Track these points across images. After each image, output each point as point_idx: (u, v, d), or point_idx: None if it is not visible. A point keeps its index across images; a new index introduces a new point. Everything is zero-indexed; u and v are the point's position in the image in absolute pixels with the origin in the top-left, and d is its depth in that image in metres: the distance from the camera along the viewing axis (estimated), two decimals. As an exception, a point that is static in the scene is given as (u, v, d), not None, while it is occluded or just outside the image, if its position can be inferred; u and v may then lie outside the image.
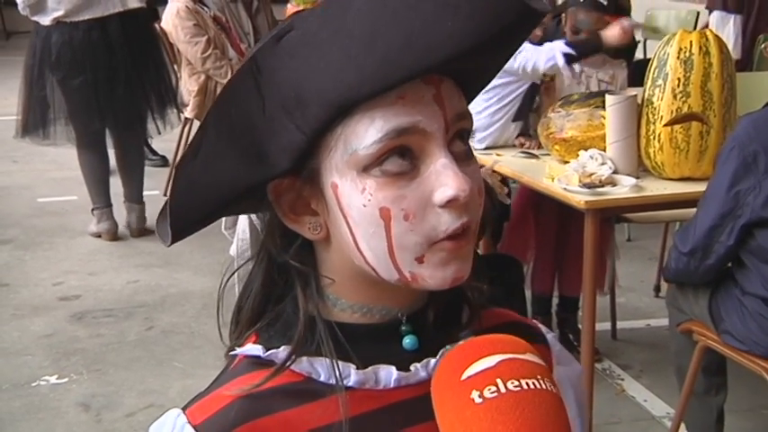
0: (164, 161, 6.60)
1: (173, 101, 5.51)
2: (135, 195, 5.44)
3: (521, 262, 3.49)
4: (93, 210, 5.40)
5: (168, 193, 0.86)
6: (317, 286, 0.92)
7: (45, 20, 5.04)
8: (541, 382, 0.75)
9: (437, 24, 0.80)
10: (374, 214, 0.84)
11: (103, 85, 5.10)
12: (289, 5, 6.71)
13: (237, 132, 0.84)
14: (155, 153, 6.61)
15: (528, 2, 0.83)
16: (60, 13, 5.02)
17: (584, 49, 3.55)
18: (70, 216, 5.72)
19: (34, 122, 5.23)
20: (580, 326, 3.60)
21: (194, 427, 0.87)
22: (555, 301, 3.91)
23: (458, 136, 0.86)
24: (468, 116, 0.88)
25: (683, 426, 2.97)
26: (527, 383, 0.74)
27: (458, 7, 0.80)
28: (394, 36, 0.80)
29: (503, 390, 0.74)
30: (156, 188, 5.87)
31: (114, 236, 5.35)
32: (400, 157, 0.83)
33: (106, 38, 5.09)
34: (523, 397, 0.74)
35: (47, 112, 5.20)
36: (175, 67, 5.80)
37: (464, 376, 0.76)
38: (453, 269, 0.86)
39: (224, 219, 2.98)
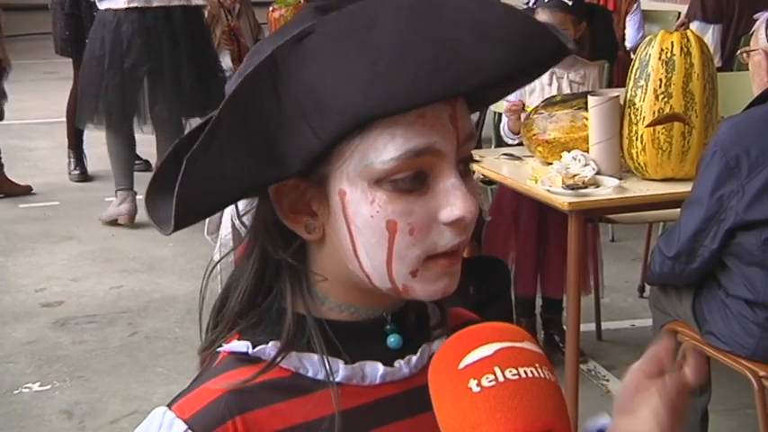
0: (146, 165, 6.57)
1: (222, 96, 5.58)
2: None
3: (506, 264, 3.49)
4: (117, 191, 5.49)
5: (177, 184, 0.84)
6: (307, 284, 0.93)
7: (119, 3, 5.21)
8: (539, 370, 0.75)
9: (472, 52, 0.81)
10: (380, 226, 0.85)
11: (170, 71, 5.28)
12: (271, 8, 6.70)
13: (250, 130, 0.84)
14: (138, 157, 6.57)
15: (559, 37, 0.86)
16: None
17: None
18: (52, 222, 5.69)
19: (100, 110, 5.36)
20: (565, 327, 3.60)
21: (184, 422, 0.87)
22: (539, 302, 3.91)
23: (463, 160, 0.88)
24: (474, 137, 0.90)
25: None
26: (525, 372, 0.74)
27: (493, 38, 0.82)
28: (426, 57, 0.80)
29: (501, 378, 0.73)
30: (141, 193, 5.84)
31: (132, 219, 5.41)
32: (413, 176, 0.85)
33: (171, 27, 5.28)
34: (521, 385, 0.73)
35: (123, 100, 5.34)
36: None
37: (462, 365, 0.75)
38: (444, 284, 0.88)
39: (207, 223, 2.97)
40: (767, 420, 2.63)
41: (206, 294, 0.97)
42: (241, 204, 0.97)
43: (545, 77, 3.71)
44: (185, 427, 0.87)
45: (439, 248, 0.86)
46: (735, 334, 2.59)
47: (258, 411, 0.89)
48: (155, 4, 5.24)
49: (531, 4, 3.87)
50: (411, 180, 0.84)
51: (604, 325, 4.04)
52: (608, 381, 3.65)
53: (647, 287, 3.81)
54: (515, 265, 3.72)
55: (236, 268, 0.96)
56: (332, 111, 0.81)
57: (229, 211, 2.56)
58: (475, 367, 0.75)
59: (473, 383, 0.74)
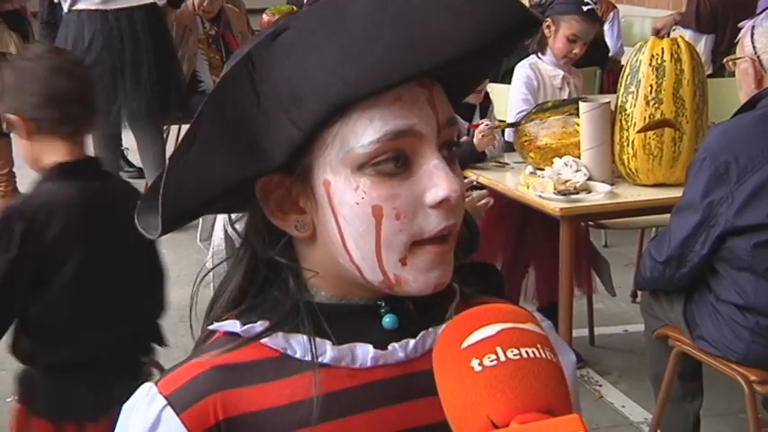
0: (140, 173, 6.56)
1: (184, 96, 5.67)
2: None
3: (498, 269, 3.48)
4: None
5: (162, 185, 0.85)
6: (299, 280, 0.93)
7: (81, 4, 5.28)
8: (541, 351, 0.75)
9: (439, 27, 0.83)
10: (366, 212, 0.86)
11: (130, 71, 5.32)
12: (264, 15, 6.71)
13: (232, 126, 0.85)
14: (131, 165, 6.56)
15: (526, 10, 0.87)
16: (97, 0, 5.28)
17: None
18: (45, 229, 5.68)
19: None
20: (558, 332, 3.60)
21: (165, 397, 0.88)
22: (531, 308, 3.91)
23: (446, 144, 0.88)
24: (456, 123, 0.90)
25: (660, 431, 2.98)
26: (527, 352, 0.74)
27: (460, 12, 0.83)
28: (395, 36, 0.82)
29: (502, 358, 0.74)
30: (132, 200, 5.85)
31: None
32: (395, 158, 0.85)
33: (133, 27, 5.33)
34: (523, 365, 0.73)
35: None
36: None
37: (464, 345, 0.76)
38: (436, 274, 0.88)
39: (199, 230, 2.97)
40: (758, 424, 2.64)
41: (198, 301, 0.97)
42: None
43: (557, 80, 3.71)
44: (165, 402, 0.88)
45: (426, 233, 0.87)
46: (726, 338, 2.60)
47: (240, 389, 0.89)
48: (112, 7, 5.30)
49: (547, 5, 3.82)
50: (393, 163, 0.85)
51: (597, 330, 4.04)
52: (601, 386, 3.66)
53: (640, 293, 3.82)
54: (506, 271, 3.72)
55: (227, 273, 0.96)
56: (309, 100, 0.83)
57: (222, 218, 2.57)
58: (477, 347, 0.75)
59: (475, 363, 0.74)
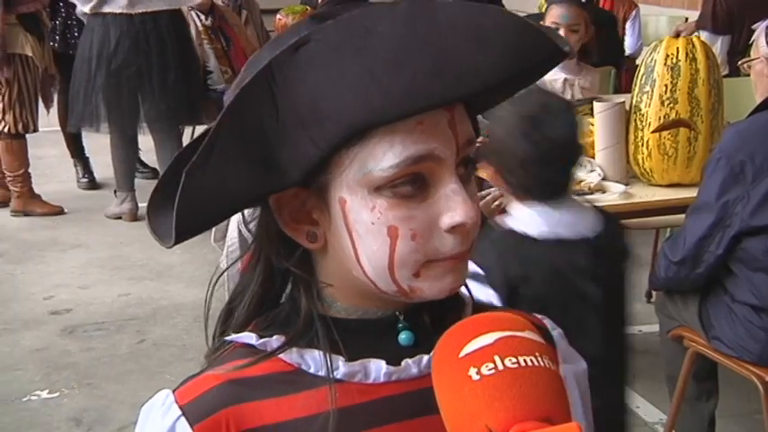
0: (154, 174, 6.59)
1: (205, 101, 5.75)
2: None
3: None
4: (115, 191, 5.73)
5: (177, 197, 0.84)
6: (315, 290, 0.93)
7: (107, 8, 5.33)
8: (539, 359, 0.75)
9: (468, 56, 0.81)
10: (381, 231, 0.85)
11: (157, 74, 5.39)
12: (278, 16, 6.72)
13: (249, 140, 0.83)
14: (145, 166, 6.59)
15: (555, 41, 0.86)
16: (123, 2, 5.33)
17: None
18: (61, 229, 5.71)
19: (91, 112, 5.48)
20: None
21: (180, 407, 0.89)
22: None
23: (463, 162, 0.88)
24: (474, 142, 0.89)
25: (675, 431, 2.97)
26: (525, 360, 0.74)
27: (490, 42, 0.82)
28: (423, 62, 0.80)
29: (500, 367, 0.74)
30: (147, 200, 5.85)
31: (134, 217, 5.62)
32: (413, 181, 0.84)
33: (158, 30, 5.40)
34: (521, 374, 0.73)
35: (110, 101, 5.44)
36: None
37: (462, 353, 0.76)
38: (450, 280, 0.88)
39: (213, 231, 2.98)
40: (774, 425, 2.63)
41: (212, 302, 0.98)
42: (248, 211, 0.97)
43: (558, 84, 3.71)
44: (179, 413, 0.89)
45: (441, 255, 0.86)
46: (741, 339, 2.60)
47: (254, 403, 0.89)
48: (138, 11, 5.34)
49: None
50: (411, 186, 0.84)
51: (611, 331, 4.02)
52: (615, 386, 3.65)
53: (655, 293, 3.81)
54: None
55: (242, 278, 0.96)
56: (329, 120, 0.81)
57: (236, 218, 2.58)
58: (475, 356, 0.75)
59: (473, 371, 0.74)
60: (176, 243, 0.87)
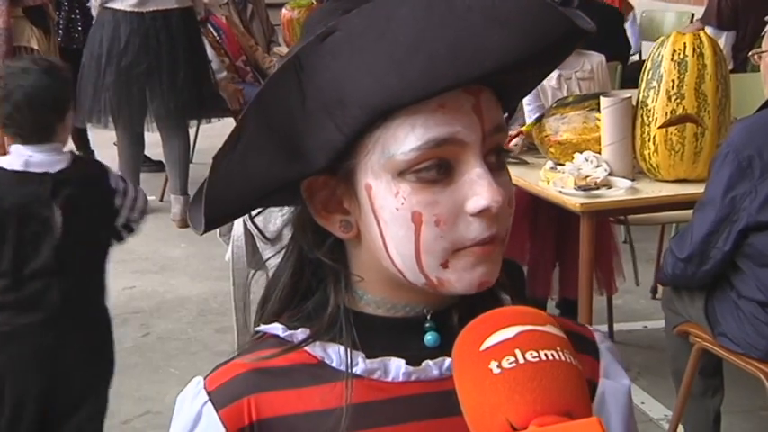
0: (159, 167, 6.59)
1: (217, 96, 5.79)
2: (180, 187, 5.60)
3: (521, 266, 3.47)
4: None
5: (206, 184, 0.87)
6: (346, 282, 0.94)
7: (118, 4, 5.33)
8: (560, 353, 0.75)
9: (484, 37, 0.82)
10: (406, 217, 0.86)
11: (167, 71, 5.38)
12: (284, 10, 6.72)
13: (276, 127, 0.85)
14: (149, 159, 6.59)
15: (574, 20, 0.85)
16: (133, 1, 5.32)
17: None
18: (66, 222, 5.71)
19: (99, 109, 5.49)
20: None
21: (208, 392, 0.92)
22: (552, 303, 3.90)
23: (493, 151, 0.88)
24: (504, 130, 0.89)
25: (680, 427, 2.97)
26: (546, 354, 0.74)
27: (506, 22, 0.82)
28: (440, 44, 0.81)
29: (521, 360, 0.73)
30: (152, 194, 5.86)
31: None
32: (437, 166, 0.85)
33: (169, 28, 5.39)
34: (541, 368, 0.73)
35: (119, 97, 5.45)
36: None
37: (483, 347, 0.75)
38: (480, 272, 0.88)
39: (219, 225, 2.98)
40: (780, 422, 2.63)
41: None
42: None
43: (553, 81, 3.69)
44: (206, 398, 0.93)
45: (467, 241, 0.86)
46: (747, 335, 2.59)
47: (275, 392, 0.92)
48: (149, 9, 5.34)
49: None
50: (434, 170, 0.85)
51: (617, 326, 4.03)
52: (620, 382, 3.64)
53: (660, 288, 3.81)
54: (532, 265, 3.71)
55: (278, 267, 0.98)
56: (353, 105, 0.83)
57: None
58: (496, 349, 0.74)
59: (494, 365, 0.74)
60: (207, 230, 0.90)
